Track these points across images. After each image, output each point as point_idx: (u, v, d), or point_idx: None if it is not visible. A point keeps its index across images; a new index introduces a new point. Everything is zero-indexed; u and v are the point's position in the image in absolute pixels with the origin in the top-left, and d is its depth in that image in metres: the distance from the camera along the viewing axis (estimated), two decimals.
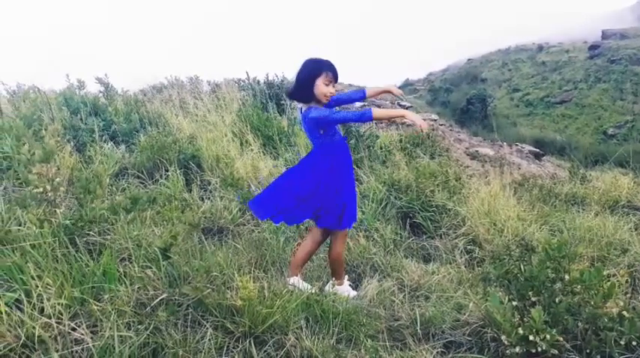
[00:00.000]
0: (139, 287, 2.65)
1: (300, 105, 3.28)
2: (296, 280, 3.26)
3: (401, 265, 3.99)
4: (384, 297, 3.36)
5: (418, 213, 4.90)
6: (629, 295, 3.38)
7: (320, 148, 3.23)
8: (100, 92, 7.16)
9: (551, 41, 61.78)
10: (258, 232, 4.13)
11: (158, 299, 2.58)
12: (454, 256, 4.15)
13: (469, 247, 4.33)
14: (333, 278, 3.44)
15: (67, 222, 3.02)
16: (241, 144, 5.79)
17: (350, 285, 3.59)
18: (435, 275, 3.75)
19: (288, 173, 3.43)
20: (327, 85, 3.08)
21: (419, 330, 2.90)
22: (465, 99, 38.18)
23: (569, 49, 56.04)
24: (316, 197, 3.26)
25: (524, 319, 2.47)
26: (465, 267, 3.94)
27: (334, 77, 3.12)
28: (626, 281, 3.71)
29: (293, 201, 3.29)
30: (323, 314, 2.78)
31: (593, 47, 52.37)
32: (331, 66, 3.11)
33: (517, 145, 15.92)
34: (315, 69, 3.10)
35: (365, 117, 3.06)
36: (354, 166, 6.00)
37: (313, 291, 3.00)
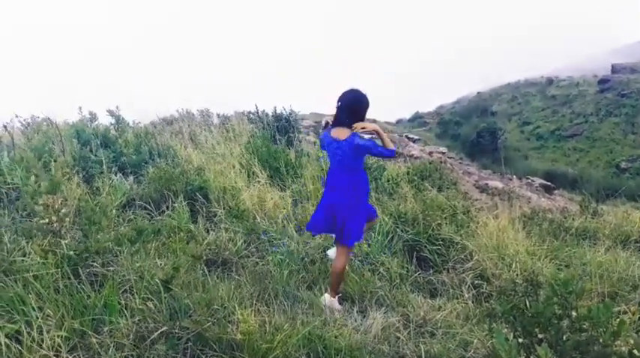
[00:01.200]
0: (139, 320, 2.64)
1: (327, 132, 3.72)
2: (335, 302, 3.63)
3: (407, 300, 3.92)
4: (388, 333, 3.29)
5: (425, 246, 4.84)
6: None
7: (358, 173, 3.65)
8: (111, 124, 7.29)
9: (560, 75, 62.11)
10: (262, 265, 4.10)
11: (158, 332, 2.56)
12: (461, 291, 4.08)
13: (477, 282, 4.25)
14: (328, 292, 3.78)
15: (71, 253, 3.03)
16: (248, 175, 5.82)
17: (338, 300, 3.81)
18: (441, 310, 3.68)
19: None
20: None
21: None
22: (475, 132, 38.24)
23: (578, 83, 56.24)
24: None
25: (531, 357, 2.40)
26: (473, 302, 3.85)
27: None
28: (639, 318, 3.62)
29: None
30: (325, 350, 2.73)
31: (603, 81, 52.52)
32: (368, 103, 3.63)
33: (528, 179, 15.83)
34: (367, 107, 3.62)
35: (388, 153, 3.59)
36: None
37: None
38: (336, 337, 2.94)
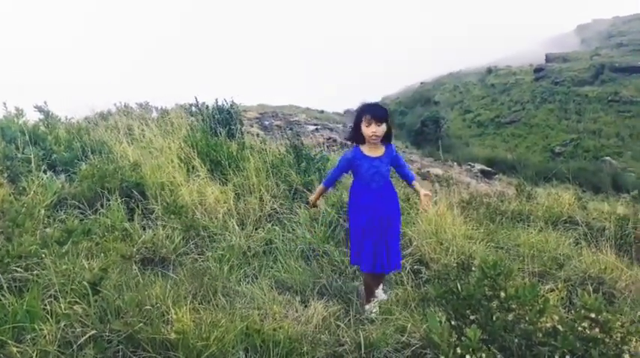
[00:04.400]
0: (65, 325, 2.51)
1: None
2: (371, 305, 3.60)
3: (348, 288, 3.96)
4: (329, 322, 3.31)
5: None
6: (567, 308, 3.46)
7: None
8: (40, 120, 6.90)
9: (499, 64, 64.40)
10: (202, 261, 4.02)
11: (85, 337, 2.45)
12: (401, 277, 4.15)
13: (416, 267, 4.35)
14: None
15: None
16: (188, 170, 5.68)
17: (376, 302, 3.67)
18: None
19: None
20: (367, 126, 3.42)
21: (363, 355, 2.87)
22: (419, 121, 39.14)
23: (516, 72, 58.53)
24: None
25: (462, 338, 2.46)
26: (412, 287, 3.93)
27: (372, 117, 3.40)
28: (567, 295, 3.82)
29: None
30: (263, 344, 2.71)
31: (538, 70, 54.91)
32: (369, 109, 3.46)
33: (469, 165, 16.35)
34: (358, 116, 3.50)
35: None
36: (306, 190, 6.01)
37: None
38: (274, 330, 2.91)
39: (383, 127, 3.45)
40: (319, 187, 3.94)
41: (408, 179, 3.79)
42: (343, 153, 3.82)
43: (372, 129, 3.41)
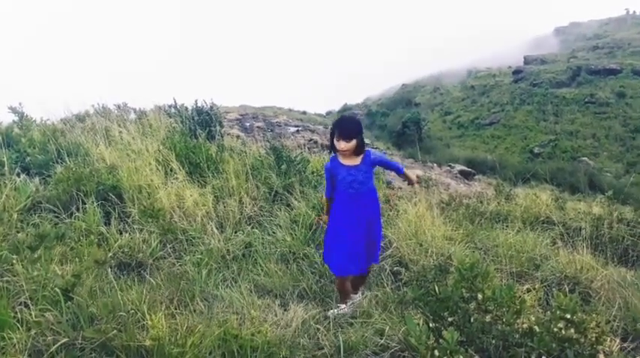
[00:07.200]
0: (36, 333, 2.45)
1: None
2: (344, 308, 3.63)
3: (327, 291, 3.94)
4: (308, 326, 3.29)
5: None
6: (544, 309, 3.49)
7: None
8: (14, 122, 6.76)
9: (478, 66, 65.17)
10: (180, 265, 3.96)
11: (57, 345, 2.39)
12: (381, 279, 4.15)
13: (396, 268, 4.35)
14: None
15: None
16: (166, 172, 5.60)
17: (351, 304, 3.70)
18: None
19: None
20: (337, 141, 3.58)
21: None
22: (400, 122, 39.35)
23: (495, 74, 59.29)
24: None
25: (440, 341, 2.46)
26: (391, 289, 3.94)
27: (340, 135, 3.54)
28: (544, 295, 3.85)
29: None
30: (240, 349, 2.67)
31: (517, 72, 55.67)
32: (339, 126, 3.61)
33: (449, 166, 16.48)
34: (331, 131, 3.68)
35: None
36: (286, 192, 5.98)
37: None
38: (253, 334, 2.88)
39: (352, 143, 3.54)
40: (324, 199, 4.16)
41: (398, 171, 3.90)
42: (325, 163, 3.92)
43: (341, 146, 3.55)
